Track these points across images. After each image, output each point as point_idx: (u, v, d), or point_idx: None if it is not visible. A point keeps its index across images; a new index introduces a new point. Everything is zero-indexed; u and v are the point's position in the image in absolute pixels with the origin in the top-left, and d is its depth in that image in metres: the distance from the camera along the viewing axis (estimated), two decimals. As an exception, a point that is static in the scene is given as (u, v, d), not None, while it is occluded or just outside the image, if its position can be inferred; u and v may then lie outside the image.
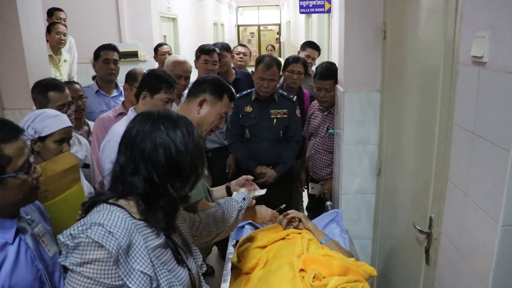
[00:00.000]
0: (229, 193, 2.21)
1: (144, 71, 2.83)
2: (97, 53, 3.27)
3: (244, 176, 2.28)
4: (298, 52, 4.25)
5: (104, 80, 3.30)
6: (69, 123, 1.98)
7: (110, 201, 1.21)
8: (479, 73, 1.32)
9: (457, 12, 1.51)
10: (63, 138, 1.94)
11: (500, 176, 1.20)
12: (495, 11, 1.25)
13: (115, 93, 3.34)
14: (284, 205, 2.29)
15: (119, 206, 1.19)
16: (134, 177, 1.19)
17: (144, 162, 1.19)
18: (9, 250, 1.25)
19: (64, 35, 4.21)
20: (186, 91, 3.20)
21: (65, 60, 4.39)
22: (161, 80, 2.37)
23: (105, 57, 3.24)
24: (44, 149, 1.89)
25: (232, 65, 4.08)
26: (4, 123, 1.29)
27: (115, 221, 1.13)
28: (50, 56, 4.08)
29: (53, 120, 1.92)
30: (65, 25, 4.34)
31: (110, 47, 3.31)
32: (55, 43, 4.16)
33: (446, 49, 1.60)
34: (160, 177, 1.19)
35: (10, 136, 1.25)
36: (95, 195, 1.28)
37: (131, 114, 2.41)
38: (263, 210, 2.13)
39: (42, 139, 1.89)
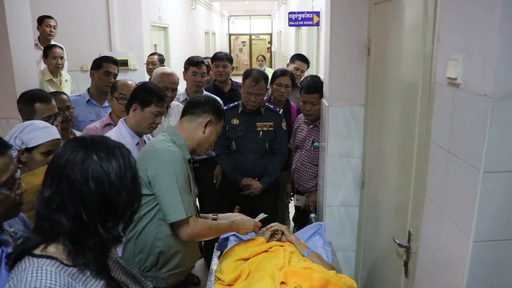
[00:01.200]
0: None
1: (129, 82, 2.86)
2: (99, 64, 3.26)
3: (236, 213, 2.33)
4: (288, 65, 4.30)
5: (100, 91, 3.29)
6: (57, 136, 1.99)
7: (37, 252, 1.06)
8: (454, 94, 1.37)
9: (434, 33, 1.57)
10: (50, 150, 1.94)
11: (472, 194, 1.25)
12: (468, 35, 1.30)
13: (106, 103, 3.35)
14: (264, 215, 2.31)
15: (47, 257, 1.05)
16: (61, 214, 1.05)
17: (72, 197, 1.05)
18: None
19: (61, 58, 4.21)
20: (175, 102, 3.25)
21: (66, 80, 4.38)
22: (152, 93, 2.40)
23: (107, 69, 3.25)
24: (30, 160, 1.90)
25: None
26: None
27: (49, 281, 1.00)
28: (50, 80, 4.10)
29: (41, 132, 1.94)
30: (61, 49, 4.32)
31: (113, 60, 3.32)
32: (53, 68, 4.15)
33: (424, 68, 1.66)
34: (90, 215, 1.05)
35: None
36: (20, 242, 1.11)
37: (121, 125, 2.44)
38: (246, 221, 2.16)
39: (29, 150, 1.90)
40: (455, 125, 1.38)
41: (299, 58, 4.35)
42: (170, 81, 3.07)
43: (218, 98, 3.49)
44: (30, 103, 2.31)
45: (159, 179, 1.87)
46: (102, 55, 5.47)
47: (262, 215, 2.30)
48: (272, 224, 2.28)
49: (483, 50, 1.21)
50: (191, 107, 2.10)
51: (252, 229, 2.17)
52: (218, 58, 3.93)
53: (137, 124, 2.42)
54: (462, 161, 1.32)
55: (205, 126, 2.05)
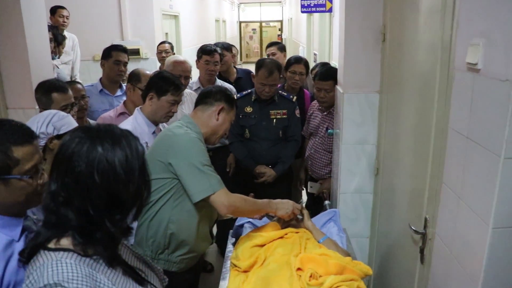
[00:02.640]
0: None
1: (147, 71, 2.86)
2: (108, 53, 3.28)
3: None
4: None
5: (111, 80, 3.32)
6: (76, 124, 2.05)
7: (51, 245, 1.06)
8: (474, 80, 1.35)
9: (454, 18, 1.54)
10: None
11: (491, 180, 1.24)
12: (489, 20, 1.28)
13: (118, 92, 3.37)
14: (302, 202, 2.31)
15: (64, 250, 1.05)
16: (67, 207, 1.05)
17: (77, 191, 1.04)
18: (15, 247, 1.29)
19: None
20: (187, 90, 3.25)
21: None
22: (169, 82, 2.42)
23: (117, 58, 3.27)
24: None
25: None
26: (20, 127, 1.31)
27: (71, 273, 0.99)
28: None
29: (68, 119, 2.00)
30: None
31: (122, 49, 3.34)
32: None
33: (442, 54, 1.63)
34: (96, 209, 1.04)
35: (22, 140, 1.28)
36: (32, 238, 1.12)
37: (137, 114, 2.46)
38: (285, 202, 2.18)
39: (59, 137, 1.94)
40: (474, 111, 1.36)
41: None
42: (182, 69, 3.07)
43: (231, 86, 3.50)
44: (48, 93, 2.34)
45: (181, 162, 1.91)
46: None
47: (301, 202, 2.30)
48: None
49: (506, 34, 1.19)
50: (203, 97, 2.17)
51: (291, 212, 2.16)
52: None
53: (153, 112, 2.44)
54: (481, 147, 1.31)
55: (218, 113, 2.12)
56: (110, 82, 3.32)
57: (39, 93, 2.38)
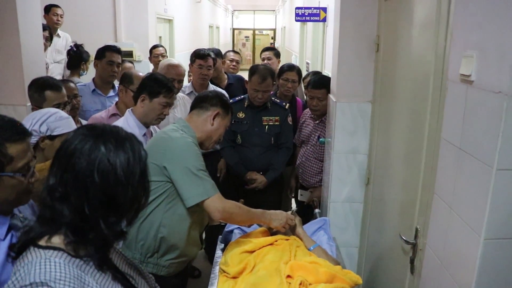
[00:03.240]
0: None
1: (140, 73, 2.85)
2: (102, 53, 3.27)
3: None
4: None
5: (104, 81, 3.30)
6: (75, 127, 2.00)
7: (42, 243, 1.03)
8: (467, 91, 1.36)
9: (447, 30, 1.56)
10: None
11: (483, 191, 1.25)
12: (483, 32, 1.29)
13: (111, 93, 3.35)
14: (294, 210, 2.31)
15: (54, 248, 1.02)
16: (63, 203, 1.03)
17: (75, 189, 1.02)
18: (1, 246, 1.26)
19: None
20: (180, 94, 3.24)
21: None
22: (161, 84, 2.41)
23: (110, 58, 3.26)
24: (50, 148, 1.91)
25: (224, 70, 4.11)
26: (14, 124, 1.30)
27: (59, 273, 0.97)
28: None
29: (66, 121, 1.97)
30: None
31: (115, 49, 3.33)
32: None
33: (436, 65, 1.65)
34: (92, 209, 1.02)
35: (17, 137, 1.26)
36: (23, 232, 1.09)
37: (128, 115, 2.44)
38: (279, 213, 2.17)
39: (51, 137, 1.91)
40: (467, 122, 1.37)
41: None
42: (176, 73, 3.06)
43: (224, 92, 3.49)
44: (41, 91, 2.32)
45: (176, 166, 1.90)
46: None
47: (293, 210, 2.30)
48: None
49: (499, 46, 1.20)
50: (199, 102, 2.16)
51: (285, 223, 2.14)
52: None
53: (145, 114, 2.42)
54: (474, 158, 1.31)
55: (214, 118, 2.11)
56: (102, 83, 3.30)
57: (32, 90, 2.35)
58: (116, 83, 3.29)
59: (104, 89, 3.32)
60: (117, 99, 3.21)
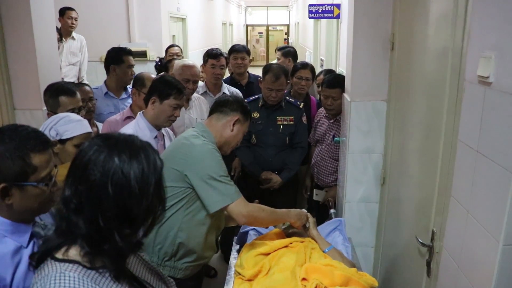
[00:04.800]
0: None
1: (152, 75, 2.86)
2: (119, 58, 3.27)
3: None
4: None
5: (121, 85, 3.33)
6: (89, 129, 2.03)
7: (59, 255, 1.04)
8: (485, 93, 1.33)
9: (465, 28, 1.52)
10: (82, 143, 1.99)
11: (502, 196, 1.22)
12: (502, 33, 1.26)
13: (123, 95, 3.38)
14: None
15: (70, 261, 1.03)
16: (78, 215, 1.03)
17: (89, 200, 1.01)
18: (23, 253, 1.29)
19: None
20: (195, 94, 3.25)
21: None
22: (171, 86, 2.41)
23: (130, 63, 3.29)
24: (62, 152, 1.94)
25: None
26: (38, 134, 1.32)
27: (73, 287, 0.99)
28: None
29: (75, 124, 1.98)
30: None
31: (130, 52, 3.37)
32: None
33: (453, 64, 1.62)
34: (106, 221, 1.02)
35: (41, 147, 1.29)
36: (42, 242, 1.13)
37: (139, 118, 2.45)
38: (300, 212, 2.18)
39: (62, 141, 1.94)
40: (485, 124, 1.34)
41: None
42: (191, 73, 3.06)
43: (238, 91, 3.49)
44: (55, 96, 2.34)
45: (198, 174, 1.90)
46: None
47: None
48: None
49: (519, 48, 1.17)
50: (219, 106, 2.13)
51: (306, 220, 2.17)
52: (236, 50, 3.91)
53: (155, 117, 2.43)
54: (492, 161, 1.28)
55: (234, 124, 2.09)
56: (118, 86, 3.32)
57: (47, 96, 2.38)
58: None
59: (117, 91, 3.34)
60: (130, 101, 3.24)
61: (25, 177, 1.25)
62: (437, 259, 1.71)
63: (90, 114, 2.79)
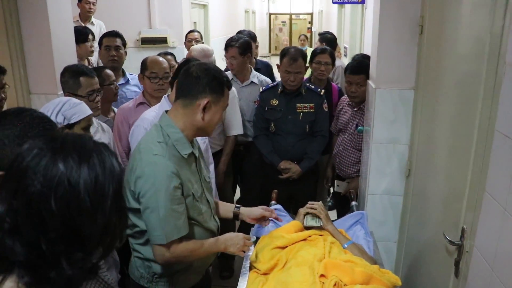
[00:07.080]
0: (235, 219, 2.06)
1: (159, 58, 2.80)
2: (100, 41, 3.33)
3: (260, 211, 2.02)
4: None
5: (107, 68, 3.25)
6: (90, 111, 1.99)
7: None
8: (529, 77, 1.20)
9: (507, 7, 1.37)
10: (88, 125, 1.98)
11: (546, 193, 1.09)
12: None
13: (121, 81, 3.32)
14: (253, 237, 2.14)
15: None
16: (14, 238, 0.79)
17: (28, 219, 0.78)
18: None
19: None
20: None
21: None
22: None
23: (106, 43, 3.28)
24: None
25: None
26: (42, 120, 1.26)
27: None
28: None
29: (80, 107, 1.94)
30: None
31: (113, 34, 3.35)
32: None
33: (491, 47, 1.47)
34: (50, 244, 0.79)
35: (43, 134, 1.20)
36: None
37: (164, 102, 2.37)
38: (234, 236, 1.81)
39: (70, 126, 1.89)
40: (528, 112, 1.21)
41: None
42: (210, 60, 2.99)
43: (268, 80, 3.40)
44: (76, 77, 2.31)
45: (143, 197, 1.61)
46: (141, 33, 5.50)
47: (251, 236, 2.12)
48: (314, 203, 2.16)
49: None
50: (182, 89, 1.70)
51: (243, 245, 1.79)
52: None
53: None
54: (535, 154, 1.15)
55: (203, 110, 1.66)
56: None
57: (67, 76, 2.34)
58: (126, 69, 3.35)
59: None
60: (128, 86, 3.30)
61: None
62: (467, 259, 1.59)
63: (115, 97, 2.80)
